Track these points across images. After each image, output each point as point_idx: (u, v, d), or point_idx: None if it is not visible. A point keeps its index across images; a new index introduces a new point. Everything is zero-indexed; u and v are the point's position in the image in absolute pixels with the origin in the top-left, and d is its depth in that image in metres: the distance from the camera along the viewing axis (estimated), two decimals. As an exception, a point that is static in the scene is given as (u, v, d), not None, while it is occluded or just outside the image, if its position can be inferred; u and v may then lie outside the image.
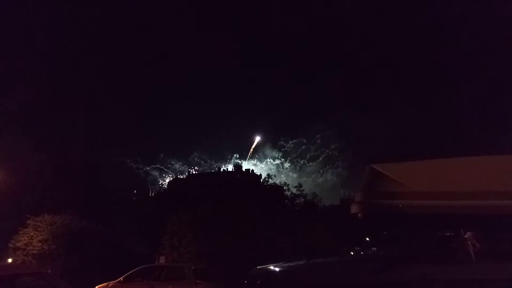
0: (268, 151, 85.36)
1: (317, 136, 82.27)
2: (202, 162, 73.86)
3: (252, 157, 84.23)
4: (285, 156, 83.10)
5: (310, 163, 78.45)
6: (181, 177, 65.24)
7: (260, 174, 49.25)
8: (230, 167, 71.72)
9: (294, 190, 35.65)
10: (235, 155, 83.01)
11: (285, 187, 36.44)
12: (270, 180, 39.68)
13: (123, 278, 13.88)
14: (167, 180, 64.93)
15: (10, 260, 20.11)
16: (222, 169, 70.88)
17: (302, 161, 79.77)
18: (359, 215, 5.06)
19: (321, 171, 74.11)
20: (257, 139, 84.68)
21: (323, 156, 78.72)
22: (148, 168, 65.67)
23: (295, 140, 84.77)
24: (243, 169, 68.33)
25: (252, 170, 63.97)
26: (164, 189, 55.72)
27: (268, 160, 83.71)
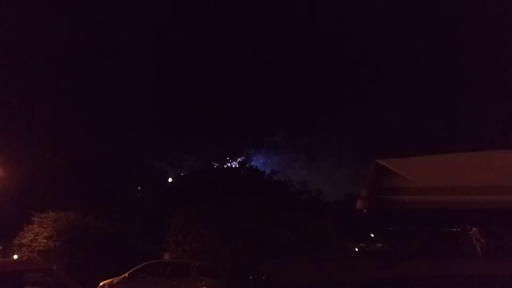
0: (281, 146, 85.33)
1: (330, 132, 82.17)
2: (218, 158, 73.48)
3: (266, 153, 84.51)
4: (297, 152, 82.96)
5: (321, 160, 78.25)
6: (184, 173, 65.16)
7: (265, 170, 49.29)
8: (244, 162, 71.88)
9: (298, 186, 35.81)
10: (252, 150, 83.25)
11: (289, 183, 36.59)
12: (274, 176, 39.85)
13: (127, 274, 13.93)
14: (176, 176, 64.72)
15: (15, 257, 20.24)
16: (231, 165, 70.98)
17: (313, 157, 79.61)
18: (364, 211, 5.00)
19: (332, 167, 73.71)
20: (271, 135, 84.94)
21: (335, 153, 78.38)
22: (162, 164, 65.36)
23: (307, 136, 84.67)
24: (253, 164, 68.58)
25: (256, 166, 64.03)
26: (169, 185, 55.90)
27: (280, 155, 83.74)
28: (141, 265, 14.26)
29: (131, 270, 14.04)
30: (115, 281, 13.79)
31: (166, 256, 18.90)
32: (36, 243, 19.61)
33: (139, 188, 51.98)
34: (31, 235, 19.81)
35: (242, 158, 77.95)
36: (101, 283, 13.88)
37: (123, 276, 13.91)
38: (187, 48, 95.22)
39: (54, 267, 9.71)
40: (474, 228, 5.11)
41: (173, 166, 69.49)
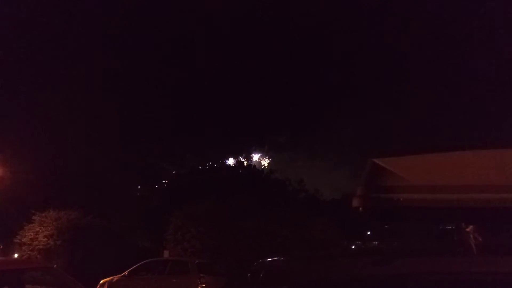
0: (281, 146, 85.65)
1: (329, 132, 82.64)
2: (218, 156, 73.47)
3: (268, 152, 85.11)
4: (297, 151, 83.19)
5: (320, 159, 78.44)
6: (184, 172, 65.10)
7: (263, 169, 49.39)
8: (246, 161, 72.18)
9: (296, 185, 36.01)
10: (253, 147, 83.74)
11: (287, 182, 36.75)
12: (272, 175, 40.00)
13: (128, 272, 14.04)
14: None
15: (16, 255, 20.31)
16: (230, 164, 71.05)
17: (313, 157, 79.83)
18: (360, 209, 5.07)
19: (331, 167, 73.84)
20: (272, 135, 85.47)
21: (334, 152, 78.58)
22: (163, 163, 65.26)
23: (307, 136, 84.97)
24: (251, 163, 68.81)
25: (255, 165, 64.11)
26: (169, 184, 55.88)
27: (281, 154, 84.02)
28: (141, 263, 14.37)
29: (131, 268, 14.15)
30: (115, 279, 13.90)
31: (166, 254, 19.02)
32: (37, 242, 19.68)
33: (139, 187, 52.07)
34: (32, 234, 19.87)
35: (243, 156, 78.32)
36: (101, 281, 14.00)
37: (123, 274, 14.03)
38: (189, 48, 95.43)
39: (55, 266, 9.80)
40: (471, 226, 5.21)
41: (174, 165, 69.45)
